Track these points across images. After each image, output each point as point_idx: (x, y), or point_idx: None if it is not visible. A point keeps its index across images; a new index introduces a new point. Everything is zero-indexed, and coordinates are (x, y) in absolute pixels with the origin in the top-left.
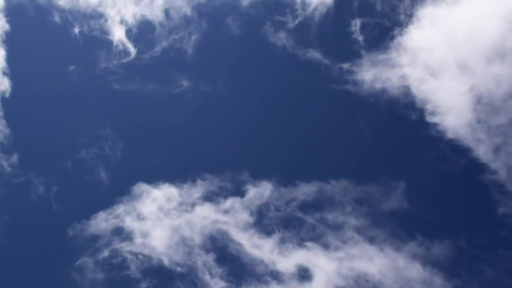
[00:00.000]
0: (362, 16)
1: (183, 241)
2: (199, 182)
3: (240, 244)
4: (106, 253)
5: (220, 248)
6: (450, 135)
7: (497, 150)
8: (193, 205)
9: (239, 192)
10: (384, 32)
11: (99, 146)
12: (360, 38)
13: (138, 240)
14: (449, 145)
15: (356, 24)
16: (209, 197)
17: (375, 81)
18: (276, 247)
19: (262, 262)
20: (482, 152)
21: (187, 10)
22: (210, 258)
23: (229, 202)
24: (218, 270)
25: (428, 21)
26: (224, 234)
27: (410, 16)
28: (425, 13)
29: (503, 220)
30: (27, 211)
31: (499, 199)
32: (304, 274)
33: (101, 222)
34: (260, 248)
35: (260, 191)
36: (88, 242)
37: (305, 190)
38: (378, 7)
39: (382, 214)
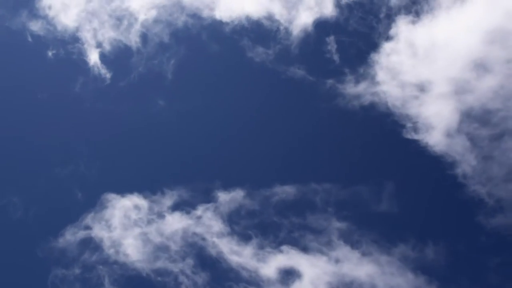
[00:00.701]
0: (340, 35)
1: (158, 249)
2: (169, 192)
3: (218, 251)
4: (78, 268)
5: (198, 255)
6: (431, 149)
7: (480, 163)
8: (164, 214)
9: (210, 200)
10: (364, 50)
11: (72, 163)
12: (336, 57)
13: (111, 250)
14: (430, 158)
15: (333, 45)
16: (181, 206)
17: (357, 97)
18: (255, 252)
19: (242, 268)
20: (465, 165)
21: (166, 36)
22: (187, 265)
23: (201, 210)
24: (198, 278)
25: (407, 39)
26: (199, 241)
27: (387, 35)
28: (403, 31)
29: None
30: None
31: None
32: (287, 279)
33: (72, 235)
34: (239, 254)
35: (233, 197)
36: (60, 257)
37: (283, 194)
38: (357, 27)
39: (365, 218)
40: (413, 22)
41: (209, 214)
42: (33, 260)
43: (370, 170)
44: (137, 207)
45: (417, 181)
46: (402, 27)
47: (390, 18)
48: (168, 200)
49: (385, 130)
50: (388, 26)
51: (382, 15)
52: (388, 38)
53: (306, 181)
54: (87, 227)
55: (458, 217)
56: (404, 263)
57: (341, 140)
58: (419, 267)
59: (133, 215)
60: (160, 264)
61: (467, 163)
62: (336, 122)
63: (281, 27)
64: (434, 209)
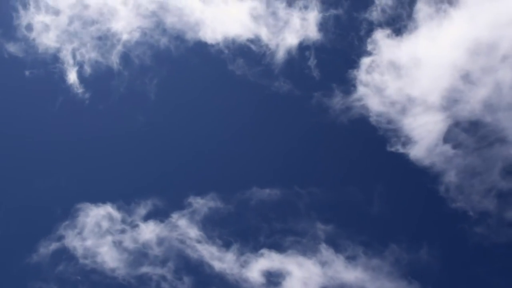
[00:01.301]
0: (324, 53)
1: (136, 256)
2: (143, 201)
3: (198, 256)
4: (55, 281)
5: (178, 261)
6: (416, 161)
7: (465, 176)
8: (138, 222)
9: (185, 206)
10: (347, 66)
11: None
12: (320, 73)
13: (87, 260)
14: (415, 171)
15: (316, 62)
16: (155, 215)
17: (342, 111)
18: (237, 257)
19: (225, 273)
20: (450, 177)
21: (148, 58)
22: (168, 271)
23: (175, 218)
24: (180, 284)
25: (390, 54)
26: (177, 247)
27: (369, 51)
28: (386, 46)
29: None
30: None
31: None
32: (271, 283)
33: (46, 247)
34: (220, 259)
35: (208, 202)
36: (36, 270)
37: (263, 197)
38: (340, 45)
39: (351, 221)
40: (395, 37)
41: (184, 221)
42: (8, 277)
43: (355, 177)
44: (111, 217)
45: (401, 191)
46: (384, 42)
47: (372, 34)
48: (142, 209)
49: (369, 143)
50: (370, 42)
51: (363, 32)
52: (371, 54)
53: (288, 185)
54: (61, 238)
55: (443, 226)
56: (393, 267)
57: (324, 150)
58: (407, 272)
59: (107, 224)
60: (140, 270)
61: (452, 175)
62: (321, 135)
63: (267, 48)
64: (418, 218)
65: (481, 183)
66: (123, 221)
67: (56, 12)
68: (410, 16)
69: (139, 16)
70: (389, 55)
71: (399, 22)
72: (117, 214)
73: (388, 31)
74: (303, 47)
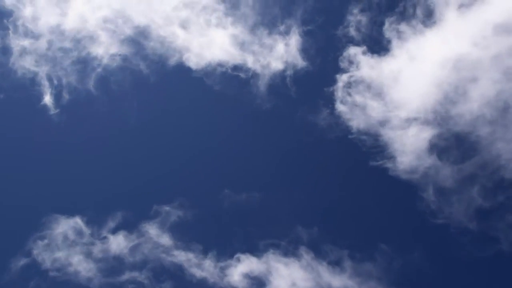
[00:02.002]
0: (303, 74)
1: (109, 266)
2: (112, 213)
3: (174, 264)
4: None
5: (153, 269)
6: (399, 175)
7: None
8: (107, 234)
9: (155, 216)
10: (329, 83)
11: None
12: (297, 92)
13: (60, 272)
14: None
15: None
16: (124, 226)
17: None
18: (214, 263)
19: (203, 279)
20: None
21: (128, 83)
22: (144, 278)
23: (146, 227)
24: None
25: (373, 70)
26: (150, 255)
27: (350, 68)
28: (367, 63)
29: None
30: None
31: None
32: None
33: (17, 262)
34: (198, 266)
35: (178, 209)
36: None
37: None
38: (318, 65)
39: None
40: (372, 55)
41: (155, 229)
42: None
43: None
44: (80, 229)
45: (383, 204)
46: (361, 59)
47: (348, 51)
48: (111, 221)
49: (350, 157)
50: (347, 60)
51: (340, 50)
52: (348, 71)
53: (266, 190)
54: (30, 252)
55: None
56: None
57: (304, 161)
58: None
59: (77, 236)
60: (114, 279)
61: (433, 189)
62: (304, 148)
63: (250, 72)
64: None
65: (462, 198)
66: (93, 232)
67: (36, 36)
68: (383, 34)
69: (119, 41)
70: (366, 72)
71: (375, 40)
72: (86, 226)
73: (363, 48)
74: (284, 70)
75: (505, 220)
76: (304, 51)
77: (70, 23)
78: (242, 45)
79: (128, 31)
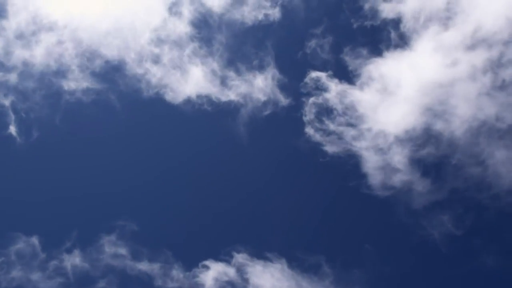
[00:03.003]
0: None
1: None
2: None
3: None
4: None
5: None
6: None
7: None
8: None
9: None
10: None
11: None
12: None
13: None
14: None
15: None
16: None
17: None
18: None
19: None
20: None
21: (102, 116)
22: None
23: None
24: None
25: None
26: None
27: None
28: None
29: None
30: None
31: None
32: None
33: None
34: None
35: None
36: None
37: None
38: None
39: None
40: (345, 79)
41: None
42: None
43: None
44: (36, 248)
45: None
46: (335, 84)
47: (318, 75)
48: (68, 239)
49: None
50: (321, 84)
51: (313, 77)
52: (317, 95)
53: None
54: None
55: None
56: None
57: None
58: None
59: (35, 255)
60: None
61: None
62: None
63: (225, 105)
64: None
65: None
66: (50, 250)
67: (7, 69)
68: (351, 58)
69: (91, 76)
70: (336, 96)
71: (343, 65)
72: (42, 245)
73: (330, 73)
74: (260, 101)
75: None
76: (279, 81)
77: (41, 56)
78: (216, 79)
79: (101, 66)
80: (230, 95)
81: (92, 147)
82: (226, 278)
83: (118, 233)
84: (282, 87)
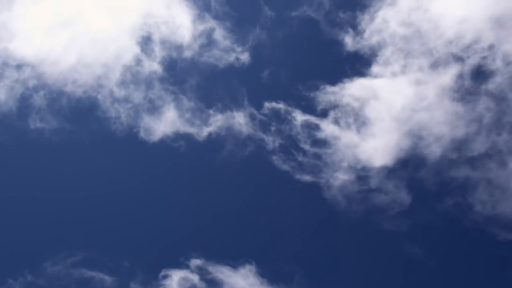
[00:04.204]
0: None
1: None
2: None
3: None
4: None
5: None
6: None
7: None
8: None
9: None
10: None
11: None
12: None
13: None
14: None
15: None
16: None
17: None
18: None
19: None
20: None
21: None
22: None
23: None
24: None
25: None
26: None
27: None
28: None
29: None
30: None
31: None
32: None
33: None
34: None
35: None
36: None
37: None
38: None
39: None
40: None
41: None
42: None
43: None
44: None
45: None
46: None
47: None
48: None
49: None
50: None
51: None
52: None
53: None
54: None
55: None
56: None
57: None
58: None
59: None
60: None
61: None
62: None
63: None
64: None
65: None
66: None
67: None
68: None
69: (62, 116)
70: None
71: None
72: None
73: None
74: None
75: None
76: (250, 116)
77: (9, 97)
78: (188, 118)
79: (72, 105)
80: (203, 133)
81: (62, 187)
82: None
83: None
84: (252, 120)
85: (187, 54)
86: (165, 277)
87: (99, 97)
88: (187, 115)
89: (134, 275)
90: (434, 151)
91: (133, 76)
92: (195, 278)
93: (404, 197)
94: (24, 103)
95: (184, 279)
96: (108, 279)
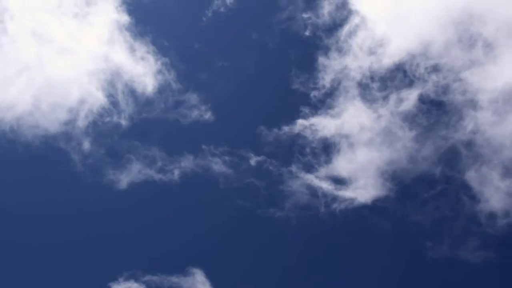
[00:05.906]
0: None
1: None
2: None
3: None
4: None
5: None
6: None
7: None
8: None
9: None
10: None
11: None
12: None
13: None
14: None
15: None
16: None
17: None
18: None
19: None
20: None
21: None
22: None
23: None
24: None
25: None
26: None
27: None
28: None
29: None
30: None
31: None
32: None
33: None
34: None
35: None
36: None
37: None
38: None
39: None
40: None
41: None
42: None
43: None
44: None
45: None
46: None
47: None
48: None
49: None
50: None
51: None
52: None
53: None
54: None
55: None
56: None
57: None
58: None
59: None
60: None
61: None
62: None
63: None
64: None
65: None
66: None
67: None
68: None
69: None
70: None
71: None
72: None
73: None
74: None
75: None
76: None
77: None
78: (156, 167)
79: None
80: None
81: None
82: None
83: None
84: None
85: (152, 114)
86: None
87: (61, 143)
88: (154, 163)
89: None
90: None
91: (96, 124)
92: None
93: None
94: None
95: None
96: None
